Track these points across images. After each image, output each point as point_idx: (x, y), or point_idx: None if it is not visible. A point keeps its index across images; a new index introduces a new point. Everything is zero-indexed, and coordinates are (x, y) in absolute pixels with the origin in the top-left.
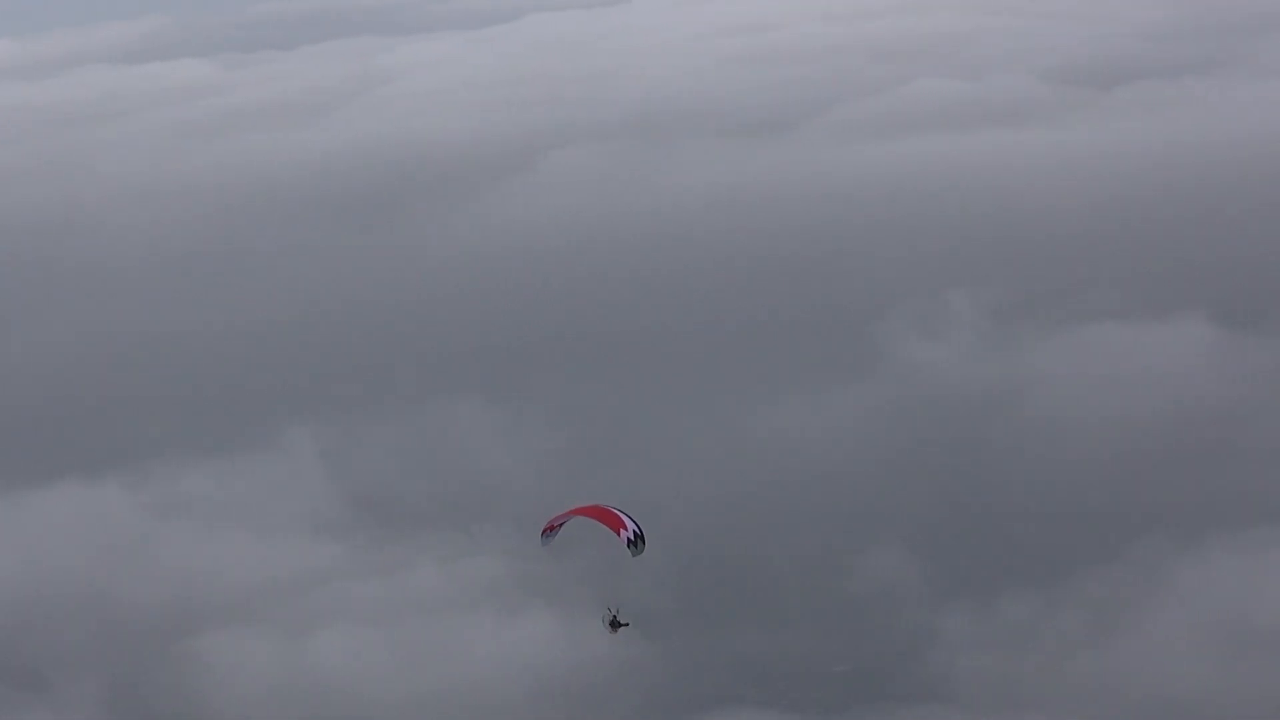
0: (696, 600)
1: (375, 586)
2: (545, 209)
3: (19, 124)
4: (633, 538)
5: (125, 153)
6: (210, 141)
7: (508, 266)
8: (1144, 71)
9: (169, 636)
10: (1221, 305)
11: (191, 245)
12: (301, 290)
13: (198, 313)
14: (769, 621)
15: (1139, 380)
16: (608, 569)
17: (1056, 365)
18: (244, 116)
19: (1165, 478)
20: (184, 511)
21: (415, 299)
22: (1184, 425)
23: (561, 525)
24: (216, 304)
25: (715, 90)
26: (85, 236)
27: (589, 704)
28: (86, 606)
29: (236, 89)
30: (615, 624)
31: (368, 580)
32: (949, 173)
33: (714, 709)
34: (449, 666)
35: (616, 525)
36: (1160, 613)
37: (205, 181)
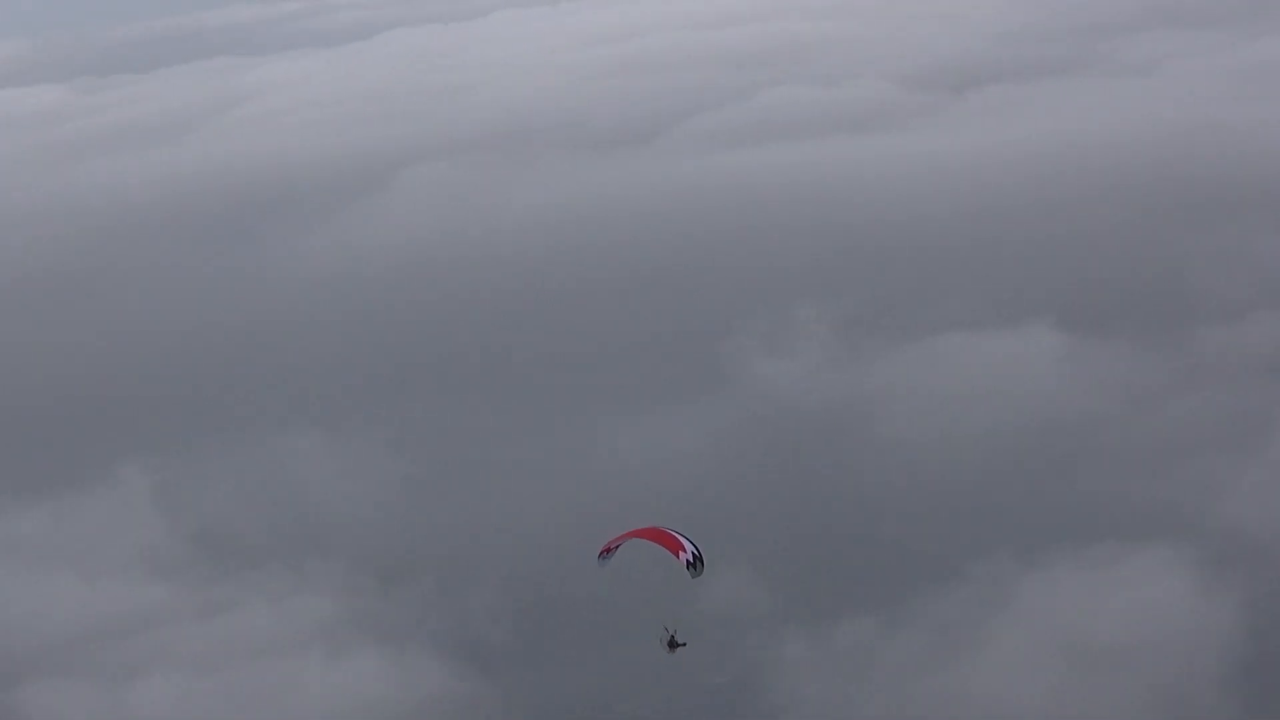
0: (536, 633)
1: (204, 629)
2: (397, 228)
3: None
4: (692, 559)
5: None
6: (63, 166)
7: (356, 289)
8: (997, 75)
9: None
10: (1069, 312)
11: (36, 271)
12: (143, 317)
13: (33, 341)
14: (610, 652)
15: (987, 392)
16: (446, 605)
17: (904, 379)
18: (98, 141)
19: (1010, 492)
20: (4, 555)
21: (260, 324)
22: (1030, 437)
23: (618, 547)
24: (54, 332)
25: (573, 102)
26: None
27: None
28: None
29: (92, 113)
30: (673, 644)
31: (196, 622)
32: (802, 182)
33: None
34: (277, 711)
35: (675, 548)
36: (1003, 632)
37: (56, 207)
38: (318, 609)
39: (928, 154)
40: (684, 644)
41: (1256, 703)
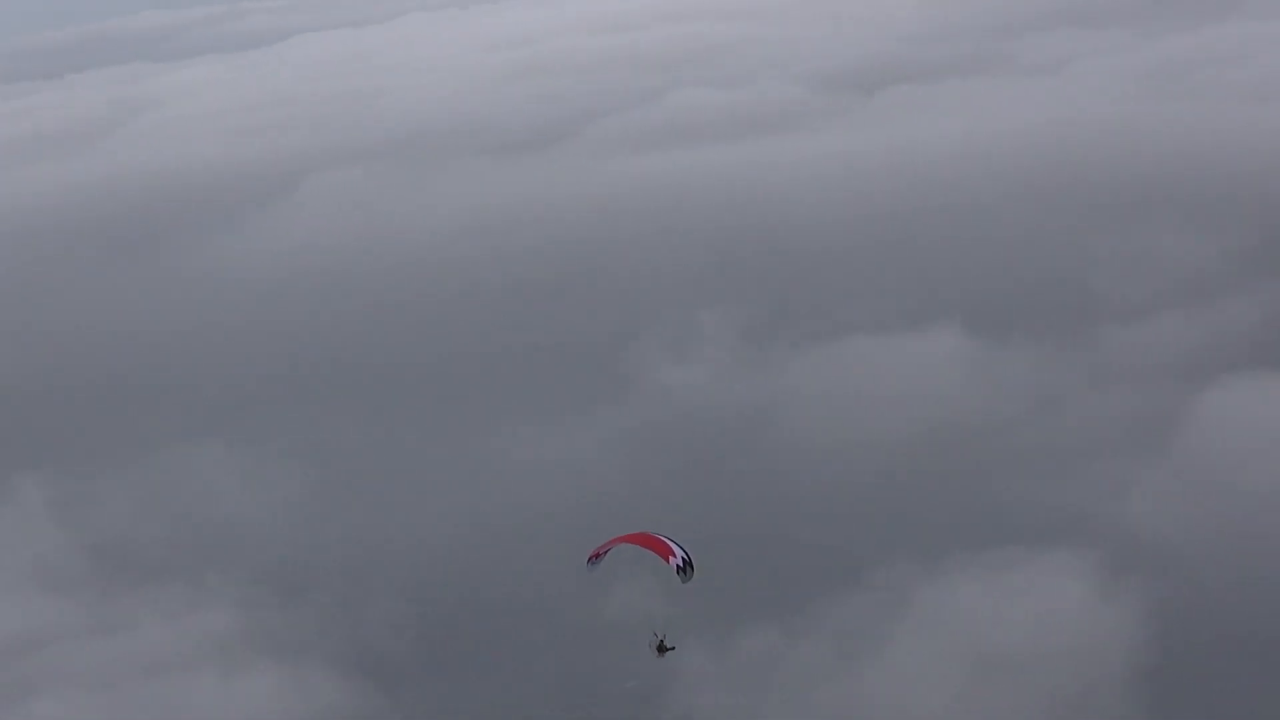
0: (438, 645)
1: (99, 645)
2: (303, 235)
3: None
4: (681, 564)
5: None
6: None
7: (259, 297)
8: (906, 75)
9: None
10: (975, 314)
11: None
12: (42, 327)
13: None
14: (512, 664)
15: (892, 396)
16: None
17: (809, 383)
18: (5, 148)
19: (914, 497)
20: None
21: (161, 333)
22: (935, 441)
23: (607, 553)
24: None
25: (480, 107)
26: None
27: None
28: None
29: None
30: (662, 648)
31: (92, 639)
32: (708, 185)
33: None
34: None
35: (665, 553)
36: (904, 639)
37: None
38: (215, 624)
39: (835, 156)
40: (673, 648)
41: (1160, 708)
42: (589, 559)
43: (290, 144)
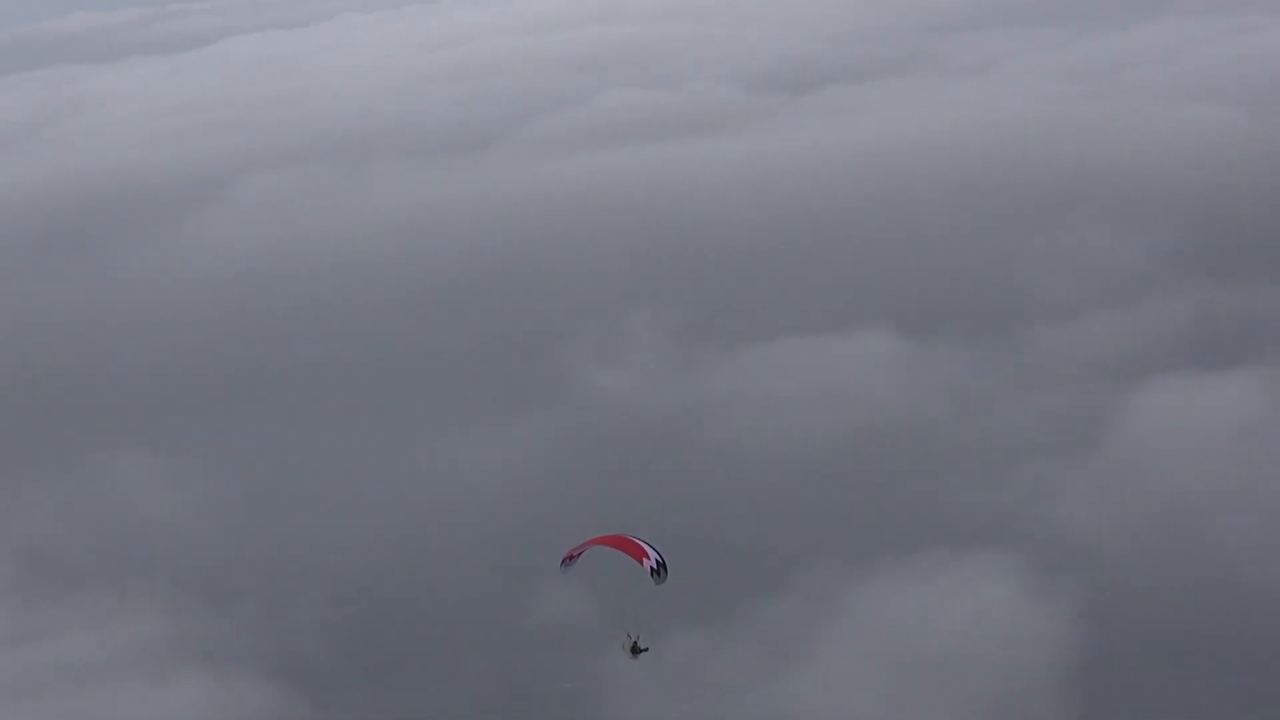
0: (366, 649)
1: (22, 654)
2: (235, 238)
3: None
4: (655, 567)
5: None
6: None
7: (186, 301)
8: (836, 75)
9: None
10: (905, 315)
11: None
12: None
13: None
14: (441, 669)
15: (821, 397)
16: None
17: (739, 386)
18: None
19: (843, 499)
20: None
21: (87, 339)
22: (864, 442)
23: (580, 555)
24: None
25: (411, 108)
26: None
27: None
28: None
29: None
30: (636, 649)
31: (14, 647)
32: (638, 186)
33: None
34: None
35: (639, 555)
36: (832, 642)
37: None
38: (141, 631)
39: (765, 157)
40: (646, 649)
41: (1090, 709)
42: (562, 561)
43: (223, 146)
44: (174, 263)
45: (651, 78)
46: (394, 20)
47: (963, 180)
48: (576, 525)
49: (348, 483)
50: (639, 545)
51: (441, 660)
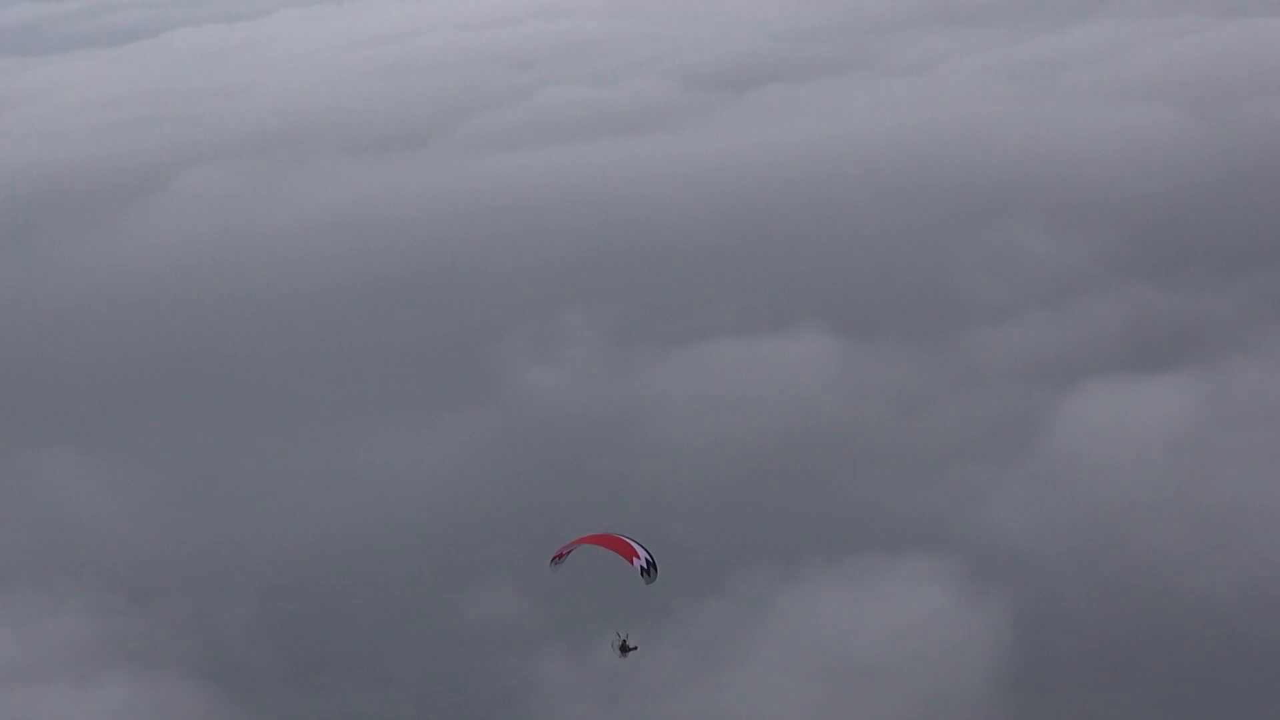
0: (295, 649)
1: None
2: (172, 233)
3: None
4: (645, 566)
5: None
6: None
7: (121, 296)
8: (777, 74)
9: None
10: (841, 315)
11: None
12: None
13: None
14: (371, 669)
15: (756, 398)
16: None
17: (673, 386)
18: None
19: (776, 501)
20: None
21: (16, 334)
22: (798, 444)
23: (569, 553)
24: None
25: (349, 103)
26: None
27: None
28: None
29: None
30: (624, 648)
31: None
32: (575, 184)
33: None
34: None
35: (629, 554)
36: (763, 646)
37: None
38: (67, 631)
39: (704, 155)
40: (635, 648)
41: (1021, 715)
42: (552, 559)
43: (161, 139)
44: (112, 257)
45: (592, 74)
46: (334, 15)
47: (900, 180)
48: (511, 524)
49: (279, 480)
50: (629, 544)
51: (371, 660)
